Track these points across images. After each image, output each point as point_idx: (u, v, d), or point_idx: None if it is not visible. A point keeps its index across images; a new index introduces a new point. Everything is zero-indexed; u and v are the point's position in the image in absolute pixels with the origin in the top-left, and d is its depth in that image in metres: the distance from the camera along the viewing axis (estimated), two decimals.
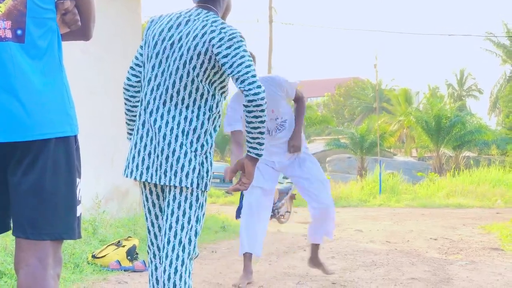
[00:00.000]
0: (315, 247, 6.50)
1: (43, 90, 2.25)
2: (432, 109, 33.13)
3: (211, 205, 19.36)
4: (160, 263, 3.26)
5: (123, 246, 6.90)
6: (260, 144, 3.15)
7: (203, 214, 3.24)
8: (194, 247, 3.19)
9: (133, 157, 3.22)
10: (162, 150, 3.11)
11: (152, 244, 3.35)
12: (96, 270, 6.46)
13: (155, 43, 3.24)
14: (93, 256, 6.69)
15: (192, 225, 3.15)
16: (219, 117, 3.28)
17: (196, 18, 3.21)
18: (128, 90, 3.43)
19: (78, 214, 2.46)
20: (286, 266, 7.22)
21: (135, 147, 3.22)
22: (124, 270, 6.59)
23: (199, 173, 3.13)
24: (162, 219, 3.29)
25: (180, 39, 3.17)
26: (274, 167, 6.13)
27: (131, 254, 6.85)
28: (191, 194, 3.14)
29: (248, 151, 3.19)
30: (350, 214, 15.44)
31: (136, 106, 3.43)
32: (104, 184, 10.02)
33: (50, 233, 2.30)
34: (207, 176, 3.18)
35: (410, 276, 6.51)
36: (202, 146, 3.15)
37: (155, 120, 3.15)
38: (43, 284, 2.27)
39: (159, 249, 3.32)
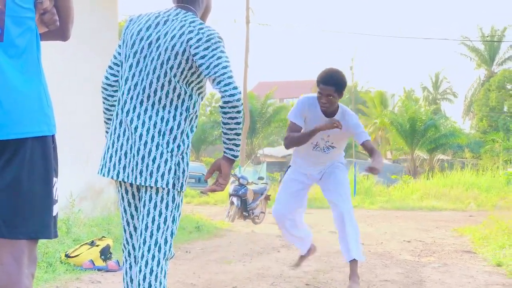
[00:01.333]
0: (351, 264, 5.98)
1: (21, 89, 2.24)
2: (407, 112, 33.37)
3: (186, 205, 19.33)
4: (135, 262, 3.26)
5: (97, 245, 6.87)
6: (236, 145, 3.16)
7: (179, 215, 3.23)
8: (170, 247, 3.18)
9: (110, 156, 3.20)
10: (138, 150, 3.09)
11: (127, 243, 3.32)
12: (69, 269, 6.43)
13: (133, 42, 3.22)
14: (67, 256, 6.66)
15: (168, 226, 3.15)
16: (196, 117, 3.27)
17: (175, 18, 3.20)
18: (106, 89, 3.40)
19: (54, 214, 2.45)
20: (260, 267, 7.23)
21: (112, 146, 3.20)
22: (98, 270, 6.56)
23: (175, 174, 3.12)
24: (137, 218, 3.27)
25: (158, 38, 3.15)
26: (304, 181, 6.04)
27: (105, 253, 6.83)
28: (167, 194, 3.13)
29: (225, 152, 3.19)
30: (324, 216, 15.44)
31: (114, 105, 3.41)
32: (78, 183, 9.97)
33: (26, 232, 2.29)
34: (183, 177, 3.17)
35: (383, 278, 6.56)
36: (179, 146, 3.14)
37: (132, 119, 3.14)
38: (18, 283, 2.26)
39: (134, 248, 3.30)
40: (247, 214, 14.26)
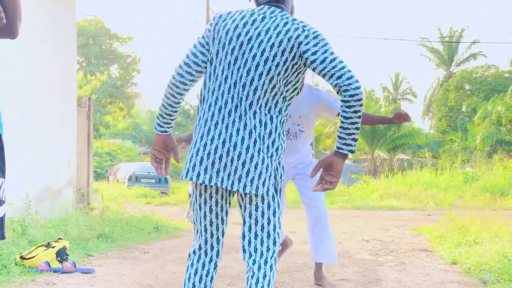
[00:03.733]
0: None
1: None
2: (367, 111, 33.55)
3: (146, 206, 19.27)
4: (209, 262, 3.26)
5: (53, 247, 6.80)
6: (355, 140, 3.05)
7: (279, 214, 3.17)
8: (278, 244, 3.17)
9: (201, 159, 3.03)
10: (240, 154, 2.97)
11: (206, 242, 3.25)
12: (24, 271, 6.35)
13: (229, 39, 3.11)
14: (22, 257, 6.57)
15: (275, 226, 3.14)
16: (286, 121, 3.17)
17: (272, 15, 3.13)
18: (177, 87, 3.19)
19: (1, 215, 2.41)
20: (221, 266, 7.21)
21: (204, 149, 3.05)
22: (54, 271, 6.49)
23: (275, 179, 3.08)
24: (217, 224, 3.23)
25: (258, 34, 3.07)
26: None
27: (61, 255, 6.77)
28: (273, 200, 3.09)
29: (340, 149, 3.03)
30: (284, 216, 15.51)
31: (178, 104, 3.26)
32: (36, 184, 9.87)
33: None
34: (281, 181, 3.12)
35: (340, 277, 6.60)
36: (277, 150, 3.05)
37: (234, 121, 3.02)
38: None
39: (212, 248, 3.24)
40: None
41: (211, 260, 3.25)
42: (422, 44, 52.19)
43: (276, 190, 3.09)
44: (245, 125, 3.00)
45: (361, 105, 2.96)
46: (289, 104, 3.18)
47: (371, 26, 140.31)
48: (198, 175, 3.04)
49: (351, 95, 2.92)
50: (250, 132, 3.00)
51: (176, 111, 3.31)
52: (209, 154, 3.02)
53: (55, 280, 6.12)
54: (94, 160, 30.95)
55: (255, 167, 2.98)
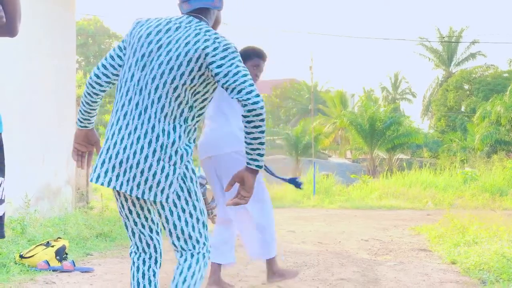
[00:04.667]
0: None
1: None
2: (367, 111, 33.61)
3: None
4: (149, 259, 3.29)
5: (52, 246, 6.81)
6: (261, 155, 3.06)
7: (202, 207, 3.19)
8: (206, 238, 3.21)
9: (102, 162, 3.07)
10: (138, 163, 2.99)
11: (141, 242, 3.28)
12: (24, 270, 6.36)
13: (141, 45, 3.13)
14: (21, 256, 6.58)
15: (198, 219, 3.17)
16: (195, 130, 3.18)
17: (188, 25, 3.13)
18: (93, 87, 3.27)
19: (0, 214, 2.42)
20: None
21: (107, 152, 3.07)
22: (53, 270, 6.50)
23: (184, 184, 3.10)
24: (142, 224, 3.24)
25: (169, 43, 3.08)
26: None
27: (60, 254, 6.77)
28: (186, 203, 3.12)
29: (248, 163, 3.07)
30: (283, 215, 15.53)
31: (95, 102, 3.32)
32: (35, 183, 9.87)
33: None
34: (193, 183, 3.13)
35: (339, 277, 6.60)
36: (182, 157, 3.05)
37: (135, 128, 3.02)
38: None
39: (148, 246, 3.28)
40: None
41: (150, 256, 3.29)
42: (421, 44, 52.25)
43: (190, 193, 3.11)
44: (146, 133, 3.01)
45: (261, 120, 2.97)
46: (200, 114, 3.18)
47: (370, 26, 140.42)
48: (98, 177, 3.07)
49: (249, 110, 2.94)
50: (150, 142, 3.00)
51: (94, 109, 3.38)
52: (110, 158, 3.05)
53: (55, 279, 6.12)
54: (94, 159, 30.97)
55: (153, 176, 3.00)
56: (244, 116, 2.96)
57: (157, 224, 3.32)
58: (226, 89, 3.00)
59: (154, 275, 3.28)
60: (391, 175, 26.10)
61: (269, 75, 52.62)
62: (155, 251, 3.30)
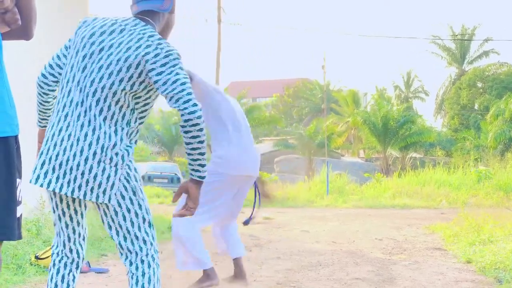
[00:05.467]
0: None
1: None
2: (380, 110, 33.53)
3: (159, 206, 19.28)
4: (71, 263, 3.24)
5: None
6: (202, 166, 3.02)
7: (146, 206, 3.15)
8: (154, 238, 3.17)
9: (42, 163, 3.01)
10: (78, 165, 2.95)
11: (64, 245, 3.24)
12: (39, 271, 6.38)
13: (83, 46, 3.09)
14: (36, 257, 6.60)
15: (144, 218, 3.13)
16: (137, 132, 3.15)
17: (132, 29, 3.07)
18: (41, 88, 3.28)
19: (18, 215, 2.43)
20: (232, 267, 7.22)
21: (47, 153, 3.02)
22: None
23: (128, 183, 3.05)
24: (73, 227, 3.21)
25: (110, 46, 3.03)
26: None
27: None
28: (131, 203, 3.08)
29: (191, 174, 3.05)
30: (297, 215, 15.53)
31: (48, 102, 3.33)
32: None
33: None
34: (137, 181, 3.09)
35: (354, 276, 6.59)
36: (123, 158, 3.01)
37: (75, 130, 2.99)
38: None
39: (71, 251, 3.24)
40: None
41: (72, 261, 3.25)
42: (434, 42, 52.03)
43: (134, 192, 3.07)
44: (86, 135, 2.97)
45: (199, 130, 2.92)
46: (143, 116, 3.15)
47: (382, 24, 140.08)
48: (38, 177, 3.01)
49: (186, 120, 2.89)
50: (90, 144, 2.96)
51: (49, 109, 3.37)
52: (50, 159, 3.00)
53: None
54: None
55: (94, 178, 2.96)
56: (182, 126, 2.92)
57: (85, 229, 3.29)
58: (166, 97, 2.95)
59: (73, 280, 3.24)
60: (404, 174, 26.03)
61: (281, 74, 52.63)
62: (78, 256, 3.26)
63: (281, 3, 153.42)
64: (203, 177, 3.05)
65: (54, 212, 3.23)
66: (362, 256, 8.16)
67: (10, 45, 2.81)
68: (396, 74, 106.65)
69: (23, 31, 2.51)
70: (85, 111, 3.00)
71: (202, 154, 2.99)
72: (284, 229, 11.33)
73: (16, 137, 2.38)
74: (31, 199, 8.51)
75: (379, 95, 45.44)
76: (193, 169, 3.04)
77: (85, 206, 3.23)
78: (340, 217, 15.03)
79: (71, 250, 3.24)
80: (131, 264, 3.13)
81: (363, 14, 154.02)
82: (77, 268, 3.26)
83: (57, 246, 3.27)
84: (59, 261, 3.26)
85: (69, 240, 3.24)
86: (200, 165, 3.02)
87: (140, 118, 3.14)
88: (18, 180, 2.39)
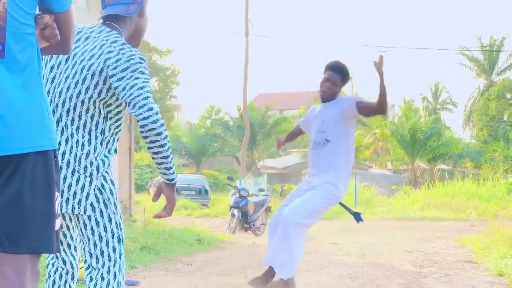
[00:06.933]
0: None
1: (22, 104, 2.25)
2: (408, 122, 33.40)
3: (186, 218, 19.33)
4: (65, 273, 3.23)
5: None
6: (168, 168, 2.97)
7: (120, 223, 3.09)
8: (121, 255, 3.10)
9: None
10: None
11: (57, 257, 3.24)
12: None
13: (50, 57, 3.07)
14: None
15: (113, 234, 3.06)
16: (115, 140, 3.12)
17: (97, 36, 3.04)
18: None
19: (56, 228, 2.44)
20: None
21: None
22: None
23: (97, 197, 3.00)
24: (61, 237, 3.21)
25: (75, 55, 3.00)
26: (303, 187, 5.89)
27: None
28: (101, 216, 3.02)
29: (162, 177, 3.05)
30: (325, 227, 15.47)
31: None
32: None
33: (28, 246, 2.29)
34: (112, 195, 3.05)
35: None
36: (98, 168, 2.98)
37: None
38: None
39: (64, 262, 3.23)
40: (248, 226, 14.29)
41: (67, 272, 3.24)
42: (462, 53, 51.72)
43: (106, 205, 3.01)
44: (60, 145, 2.95)
45: (157, 135, 2.86)
46: (118, 125, 3.11)
47: (411, 36, 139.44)
48: None
49: (142, 126, 2.85)
50: (64, 153, 2.94)
51: None
52: None
53: None
54: (135, 172, 31.19)
55: (69, 188, 2.93)
56: (141, 132, 2.88)
57: (75, 239, 3.26)
58: (126, 103, 2.92)
59: None
60: (433, 185, 25.84)
61: (309, 86, 52.61)
62: (72, 267, 3.25)
63: (308, 16, 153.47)
64: (172, 180, 3.02)
65: None
66: (392, 269, 8.12)
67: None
68: (424, 85, 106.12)
69: (62, 46, 2.53)
70: (57, 122, 2.99)
71: (166, 157, 2.94)
72: (313, 242, 11.29)
73: (55, 150, 2.41)
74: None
75: (407, 107, 45.22)
76: (161, 173, 3.01)
77: (70, 218, 3.19)
78: (368, 229, 14.94)
79: (64, 262, 3.25)
80: (91, 279, 3.07)
81: (392, 25, 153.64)
82: (72, 278, 3.25)
83: (52, 257, 3.28)
84: (54, 272, 3.27)
85: (59, 253, 3.23)
86: (166, 168, 2.97)
87: (116, 127, 3.11)
88: (56, 193, 2.41)
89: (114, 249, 3.06)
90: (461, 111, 57.14)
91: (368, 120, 45.07)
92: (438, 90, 59.73)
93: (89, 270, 3.08)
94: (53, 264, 3.27)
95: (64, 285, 3.24)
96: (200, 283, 6.85)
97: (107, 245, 3.04)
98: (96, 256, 3.04)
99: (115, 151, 3.14)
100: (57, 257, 3.25)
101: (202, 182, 28.42)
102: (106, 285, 3.05)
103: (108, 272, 3.06)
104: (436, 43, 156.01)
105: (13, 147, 2.23)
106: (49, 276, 3.27)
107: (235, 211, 14.20)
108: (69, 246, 3.25)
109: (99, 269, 3.05)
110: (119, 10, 3.11)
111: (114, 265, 3.07)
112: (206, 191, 27.64)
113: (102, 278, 3.05)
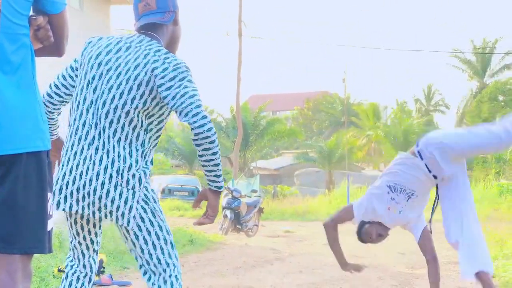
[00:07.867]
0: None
1: (16, 105, 2.24)
2: (400, 124, 33.48)
3: (179, 218, 19.31)
4: (84, 276, 3.26)
5: None
6: (218, 176, 3.02)
7: (164, 225, 3.13)
8: (170, 257, 3.14)
9: (60, 188, 3.03)
10: (95, 190, 2.96)
11: (79, 260, 3.28)
12: None
13: (91, 67, 3.08)
14: (59, 270, 6.64)
15: (164, 237, 3.11)
16: (151, 152, 3.13)
17: (138, 45, 3.06)
18: (47, 106, 3.28)
19: (49, 229, 2.45)
20: (254, 280, 7.23)
21: (63, 178, 3.03)
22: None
23: (147, 205, 3.05)
24: (88, 242, 3.25)
25: (118, 66, 3.02)
26: None
27: (98, 268, 6.82)
28: (145, 226, 3.06)
29: (209, 184, 3.06)
30: (318, 228, 15.45)
31: (53, 119, 3.35)
32: None
33: (20, 247, 2.29)
34: (155, 202, 3.09)
35: None
36: (140, 180, 3.01)
37: (90, 154, 2.99)
38: None
39: (84, 266, 3.27)
40: (240, 227, 14.28)
41: (85, 275, 3.27)
42: (455, 55, 51.80)
43: (154, 214, 3.06)
44: (101, 159, 2.97)
45: (211, 142, 2.91)
46: (158, 136, 3.15)
47: (404, 38, 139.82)
48: (58, 203, 3.03)
49: (196, 134, 2.88)
50: (106, 168, 2.96)
51: (53, 124, 3.38)
52: (67, 184, 3.01)
53: None
54: None
55: (112, 202, 2.96)
56: (194, 140, 2.92)
57: (98, 243, 3.31)
58: (176, 112, 2.94)
59: None
60: None
61: (302, 87, 52.64)
62: (91, 271, 3.29)
63: (302, 17, 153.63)
64: (221, 187, 3.06)
65: (69, 231, 3.26)
66: (385, 271, 8.13)
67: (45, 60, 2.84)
68: (416, 87, 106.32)
69: (55, 48, 2.53)
70: (99, 134, 3.00)
71: (217, 165, 2.99)
72: (305, 243, 11.31)
73: (48, 151, 2.41)
74: (54, 212, 8.57)
75: (400, 109, 45.32)
76: (210, 180, 3.05)
77: (100, 227, 3.25)
78: None
79: (84, 266, 3.28)
80: (153, 284, 3.12)
81: (385, 27, 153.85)
82: (89, 282, 3.28)
83: (72, 260, 3.31)
84: (72, 274, 3.29)
85: (83, 257, 3.28)
86: (216, 175, 3.02)
87: (155, 138, 3.14)
88: (49, 194, 2.42)
89: (169, 255, 3.13)
90: (454, 113, 57.27)
91: (361, 122, 45.15)
92: (431, 92, 59.81)
93: (149, 276, 3.13)
94: (71, 266, 3.30)
95: (81, 287, 3.26)
96: (192, 285, 6.85)
97: (162, 252, 3.10)
98: (154, 264, 3.10)
99: (151, 162, 3.16)
100: (78, 260, 3.28)
101: (195, 183, 28.36)
102: (170, 287, 3.11)
103: (170, 276, 3.12)
104: (429, 45, 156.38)
105: (6, 147, 2.23)
106: (67, 277, 3.30)
107: (228, 212, 14.20)
108: (94, 250, 3.30)
109: (160, 273, 3.11)
110: (155, 18, 3.13)
111: (173, 269, 3.14)
112: (199, 192, 27.57)
113: (165, 281, 3.11)
